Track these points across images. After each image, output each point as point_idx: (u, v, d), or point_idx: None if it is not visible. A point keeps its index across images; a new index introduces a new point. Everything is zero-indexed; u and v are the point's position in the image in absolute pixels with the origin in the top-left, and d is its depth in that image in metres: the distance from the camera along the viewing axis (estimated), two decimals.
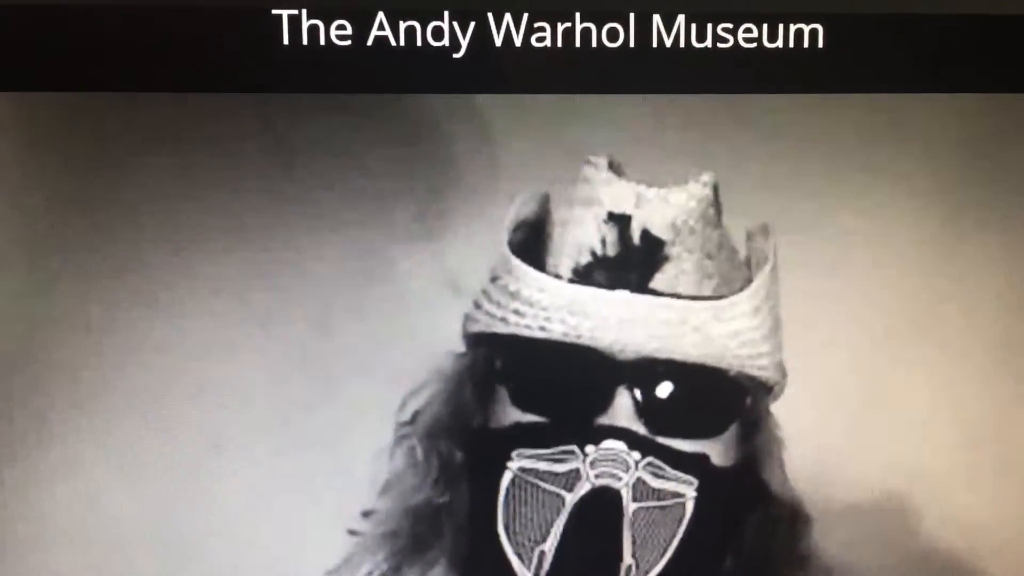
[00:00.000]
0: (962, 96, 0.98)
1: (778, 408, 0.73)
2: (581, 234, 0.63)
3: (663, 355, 0.60)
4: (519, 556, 0.59)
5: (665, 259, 0.62)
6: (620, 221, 0.63)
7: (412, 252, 1.02)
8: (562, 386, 0.61)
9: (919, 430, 1.01)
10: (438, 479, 0.65)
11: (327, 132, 0.99)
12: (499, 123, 0.98)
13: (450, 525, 0.65)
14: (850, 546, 0.89)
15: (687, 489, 0.60)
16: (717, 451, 0.63)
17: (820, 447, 0.94)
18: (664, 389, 0.60)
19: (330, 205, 1.01)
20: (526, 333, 0.61)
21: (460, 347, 0.70)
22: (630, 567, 0.58)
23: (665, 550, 0.58)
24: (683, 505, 0.59)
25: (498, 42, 0.86)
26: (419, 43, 0.86)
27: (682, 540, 0.59)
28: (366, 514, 0.66)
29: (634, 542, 0.58)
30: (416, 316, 1.00)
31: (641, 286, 0.61)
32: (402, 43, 0.87)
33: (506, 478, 0.60)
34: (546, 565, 0.58)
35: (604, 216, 0.63)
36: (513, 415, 0.62)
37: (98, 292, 1.01)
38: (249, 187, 1.01)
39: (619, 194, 0.64)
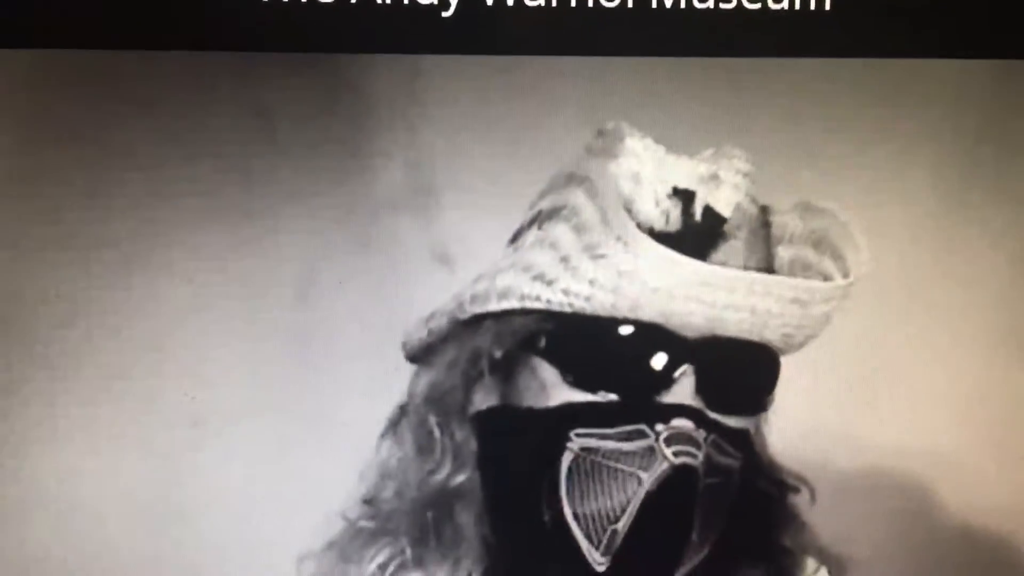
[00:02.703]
0: (973, 62, 0.96)
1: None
2: (638, 210, 0.61)
3: (729, 333, 0.59)
4: (588, 537, 0.58)
5: (722, 237, 0.60)
6: (684, 197, 0.61)
7: (399, 221, 1.00)
8: (625, 365, 0.59)
9: (917, 406, 1.00)
10: (452, 460, 0.62)
11: (310, 95, 0.97)
12: (492, 86, 0.96)
13: (468, 508, 0.62)
14: (845, 523, 0.90)
15: (735, 464, 0.60)
16: (752, 425, 0.62)
17: (818, 425, 0.94)
18: (724, 368, 0.60)
19: (313, 171, 0.99)
20: (601, 310, 0.58)
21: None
22: (695, 544, 0.58)
23: (718, 526, 0.58)
24: (732, 481, 0.59)
25: (489, 1, 0.83)
26: (406, 1, 0.83)
27: (729, 518, 0.59)
28: (368, 501, 0.64)
29: (700, 519, 0.57)
30: (403, 287, 0.99)
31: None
32: (388, 0, 0.84)
33: (566, 459, 0.58)
34: (617, 543, 0.57)
35: (668, 191, 0.61)
36: (563, 394, 0.60)
37: (69, 261, 0.99)
38: (228, 152, 0.98)
39: (681, 168, 0.62)
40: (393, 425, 0.66)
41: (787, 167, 0.99)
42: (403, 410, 0.66)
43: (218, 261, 1.00)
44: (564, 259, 0.59)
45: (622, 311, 0.58)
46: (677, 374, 0.59)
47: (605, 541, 0.57)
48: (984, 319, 1.01)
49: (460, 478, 0.62)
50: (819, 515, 0.67)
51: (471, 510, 0.62)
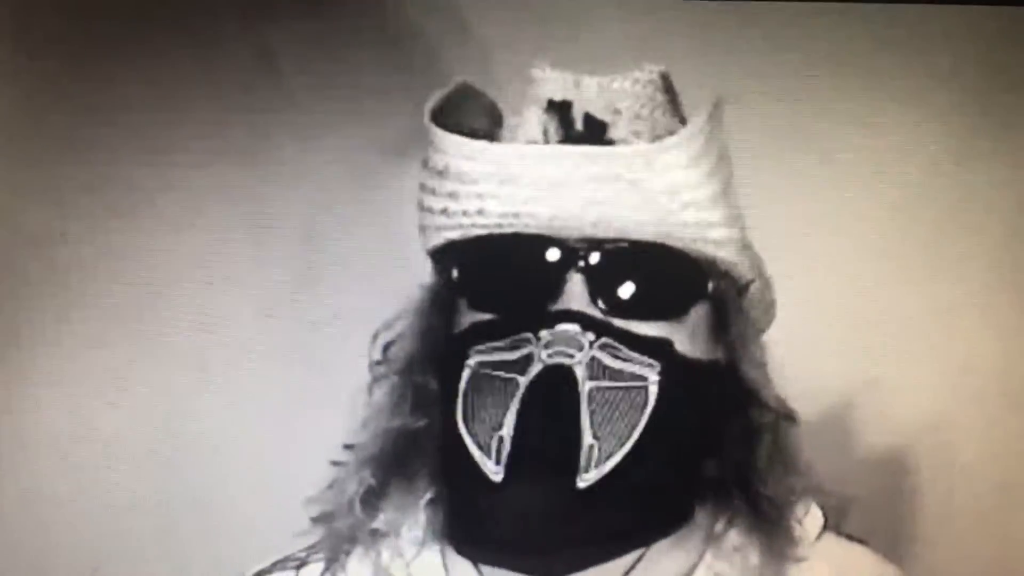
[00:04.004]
0: (981, 9, 0.94)
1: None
2: (526, 131, 0.62)
3: (610, 232, 0.58)
4: (479, 447, 0.58)
5: (610, 143, 0.60)
6: (561, 108, 0.61)
7: (406, 161, 0.99)
8: (513, 279, 0.61)
9: (920, 350, 0.99)
10: (414, 407, 0.64)
11: (314, 35, 0.96)
12: (492, 26, 0.96)
13: (429, 446, 0.64)
14: (843, 464, 0.90)
15: (648, 372, 0.58)
16: (682, 338, 0.60)
17: (819, 366, 0.93)
18: (614, 270, 0.59)
19: (318, 114, 0.98)
20: (468, 223, 0.59)
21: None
22: (592, 447, 0.56)
23: (628, 434, 0.57)
24: (645, 389, 0.58)
25: None
26: None
27: (649, 427, 0.57)
28: (348, 447, 0.65)
29: (593, 422, 0.56)
30: (409, 228, 0.98)
31: None
32: None
33: (464, 376, 0.59)
34: (506, 450, 0.57)
35: (544, 105, 0.61)
36: (470, 318, 0.61)
37: (73, 204, 0.99)
38: (231, 93, 0.97)
39: (557, 83, 0.62)
40: (369, 385, 0.67)
41: (795, 115, 0.99)
42: (373, 368, 0.67)
43: (224, 204, 0.99)
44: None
45: (472, 214, 0.59)
46: (565, 281, 0.59)
47: (495, 450, 0.57)
48: (988, 266, 1.01)
49: (423, 421, 0.63)
50: (817, 455, 0.66)
51: (430, 444, 0.63)
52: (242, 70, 0.97)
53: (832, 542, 0.65)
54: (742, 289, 0.65)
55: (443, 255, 0.63)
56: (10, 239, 0.99)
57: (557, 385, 0.57)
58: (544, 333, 0.58)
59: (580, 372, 0.57)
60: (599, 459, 0.57)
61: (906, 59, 0.99)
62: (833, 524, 0.65)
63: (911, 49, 0.99)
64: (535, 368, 0.57)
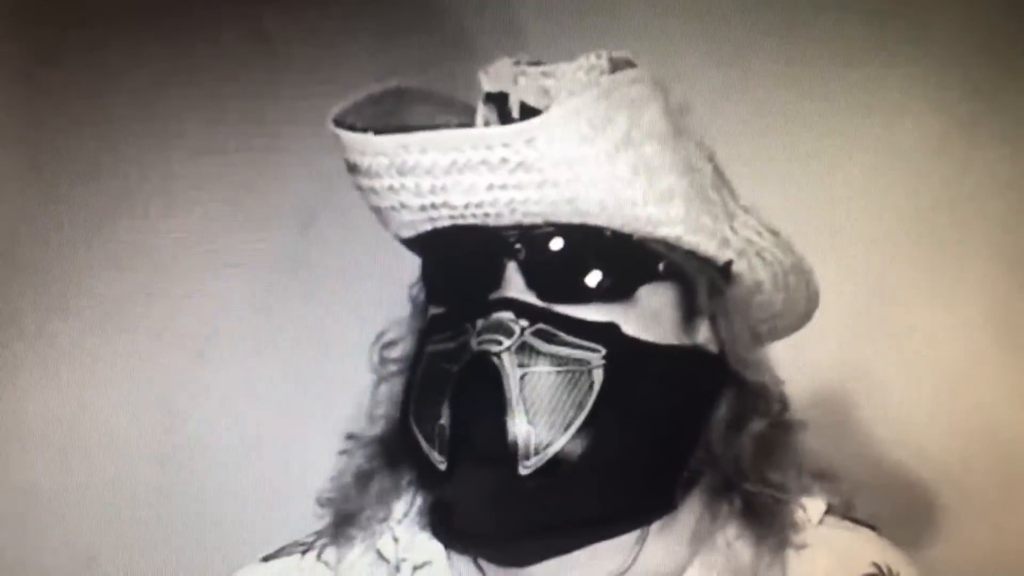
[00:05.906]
0: None
1: None
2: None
3: (535, 218, 0.57)
4: (425, 437, 0.58)
5: None
6: (498, 100, 0.60)
7: None
8: (455, 272, 0.61)
9: (923, 338, 0.99)
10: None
11: (313, 21, 0.96)
12: (496, 16, 0.95)
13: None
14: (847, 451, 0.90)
15: (591, 357, 0.58)
16: (633, 321, 0.59)
17: (822, 356, 0.92)
18: (546, 256, 0.58)
19: (315, 100, 0.97)
20: (407, 220, 0.59)
21: None
22: (529, 433, 0.56)
23: (572, 419, 0.57)
24: (588, 373, 0.57)
25: None
26: None
27: (598, 412, 0.57)
28: (350, 436, 0.65)
29: (528, 408, 0.56)
30: None
31: None
32: None
33: (418, 368, 0.60)
34: (446, 440, 0.57)
35: (483, 99, 0.61)
36: (430, 312, 0.62)
37: (70, 192, 0.98)
38: (229, 78, 0.97)
39: (497, 75, 0.61)
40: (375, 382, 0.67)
41: (795, 97, 0.99)
42: (375, 367, 0.67)
43: (219, 194, 0.99)
44: None
45: (399, 208, 0.59)
46: (504, 270, 0.58)
47: (437, 439, 0.57)
48: (990, 256, 1.01)
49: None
50: (819, 442, 0.66)
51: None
52: (238, 55, 0.97)
53: (836, 527, 0.64)
54: (721, 270, 0.62)
55: (412, 250, 0.63)
56: (6, 227, 0.99)
57: (481, 371, 0.57)
58: (480, 322, 0.58)
59: (508, 358, 0.57)
60: (539, 445, 0.56)
61: (911, 49, 0.99)
62: (840, 509, 0.65)
63: (915, 39, 0.99)
64: (466, 356, 0.57)
